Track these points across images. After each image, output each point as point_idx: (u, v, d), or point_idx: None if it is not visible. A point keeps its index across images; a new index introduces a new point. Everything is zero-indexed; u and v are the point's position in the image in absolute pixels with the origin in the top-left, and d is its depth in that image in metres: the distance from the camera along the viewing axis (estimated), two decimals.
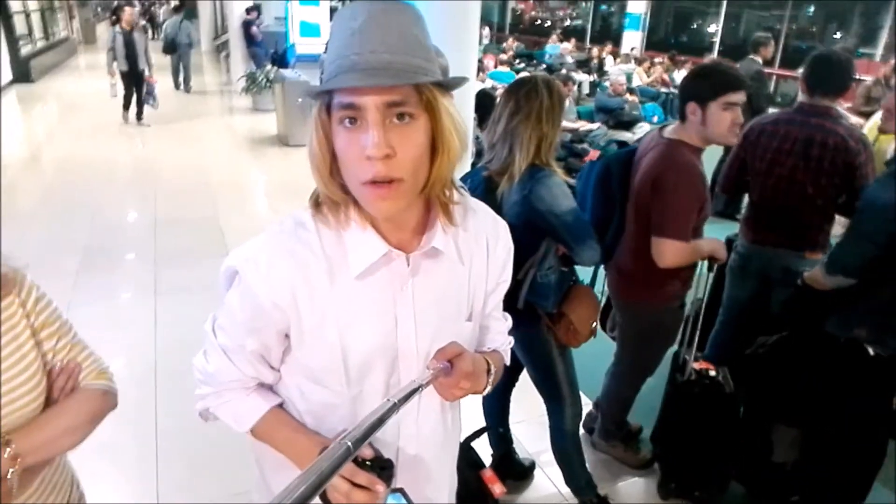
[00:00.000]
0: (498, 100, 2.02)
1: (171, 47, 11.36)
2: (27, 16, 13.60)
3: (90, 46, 19.64)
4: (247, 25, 10.90)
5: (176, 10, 12.00)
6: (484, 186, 1.90)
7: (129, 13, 8.18)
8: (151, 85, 8.54)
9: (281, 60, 10.72)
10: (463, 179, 1.96)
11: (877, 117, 4.06)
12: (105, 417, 1.13)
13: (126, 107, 8.60)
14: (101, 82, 12.57)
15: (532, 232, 1.87)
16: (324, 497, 0.88)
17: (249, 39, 10.95)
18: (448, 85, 0.87)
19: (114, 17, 21.73)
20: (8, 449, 0.96)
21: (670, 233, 2.04)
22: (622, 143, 2.47)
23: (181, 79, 11.66)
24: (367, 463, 0.85)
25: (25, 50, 12.66)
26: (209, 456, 2.45)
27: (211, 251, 4.60)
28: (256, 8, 11.43)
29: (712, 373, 2.29)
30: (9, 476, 0.96)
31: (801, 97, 2.54)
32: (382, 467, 0.85)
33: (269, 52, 11.23)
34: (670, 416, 2.42)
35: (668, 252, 2.06)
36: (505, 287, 1.13)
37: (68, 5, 18.44)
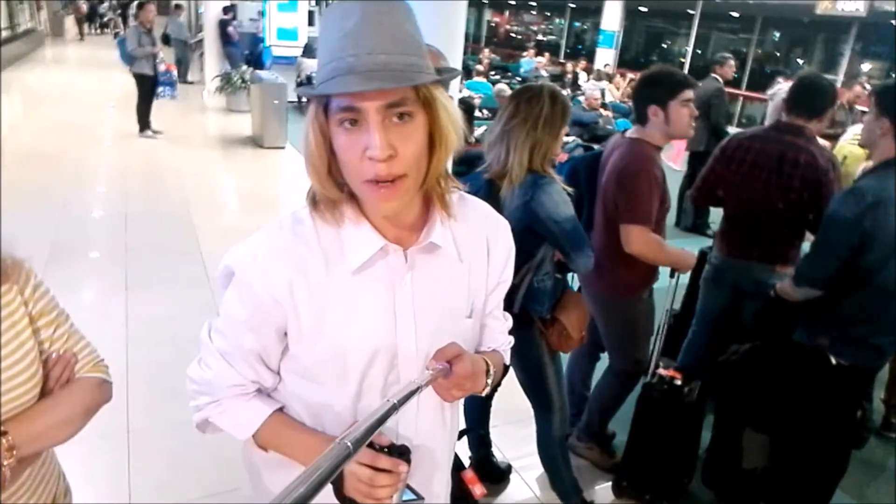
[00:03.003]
0: (477, 107, 2.07)
1: (167, 42, 11.25)
2: None
3: (58, 39, 19.17)
4: (223, 25, 10.77)
5: (176, 8, 11.92)
6: (486, 190, 1.91)
7: (151, 11, 7.40)
8: (170, 73, 7.80)
9: (256, 61, 10.64)
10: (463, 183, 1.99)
11: (843, 140, 4.23)
12: (100, 410, 1.12)
13: (145, 120, 7.71)
14: (67, 75, 12.34)
15: (531, 237, 1.90)
16: (340, 495, 0.88)
17: (225, 39, 10.81)
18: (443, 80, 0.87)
19: (88, 15, 20.89)
20: (3, 440, 0.94)
21: (635, 218, 2.18)
22: (587, 148, 2.66)
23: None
24: (385, 449, 0.86)
25: None
26: (182, 454, 2.39)
27: (182, 248, 4.55)
28: (233, 8, 11.32)
29: (677, 382, 2.36)
30: (4, 467, 0.94)
31: (769, 116, 2.66)
32: (401, 452, 0.87)
33: (244, 52, 11.14)
34: (635, 417, 2.48)
35: (634, 237, 2.19)
36: (506, 286, 1.13)
37: None
